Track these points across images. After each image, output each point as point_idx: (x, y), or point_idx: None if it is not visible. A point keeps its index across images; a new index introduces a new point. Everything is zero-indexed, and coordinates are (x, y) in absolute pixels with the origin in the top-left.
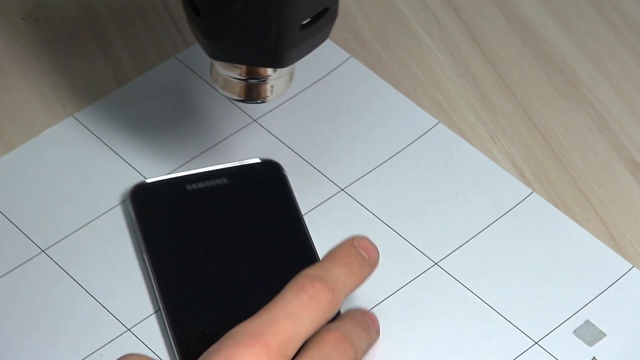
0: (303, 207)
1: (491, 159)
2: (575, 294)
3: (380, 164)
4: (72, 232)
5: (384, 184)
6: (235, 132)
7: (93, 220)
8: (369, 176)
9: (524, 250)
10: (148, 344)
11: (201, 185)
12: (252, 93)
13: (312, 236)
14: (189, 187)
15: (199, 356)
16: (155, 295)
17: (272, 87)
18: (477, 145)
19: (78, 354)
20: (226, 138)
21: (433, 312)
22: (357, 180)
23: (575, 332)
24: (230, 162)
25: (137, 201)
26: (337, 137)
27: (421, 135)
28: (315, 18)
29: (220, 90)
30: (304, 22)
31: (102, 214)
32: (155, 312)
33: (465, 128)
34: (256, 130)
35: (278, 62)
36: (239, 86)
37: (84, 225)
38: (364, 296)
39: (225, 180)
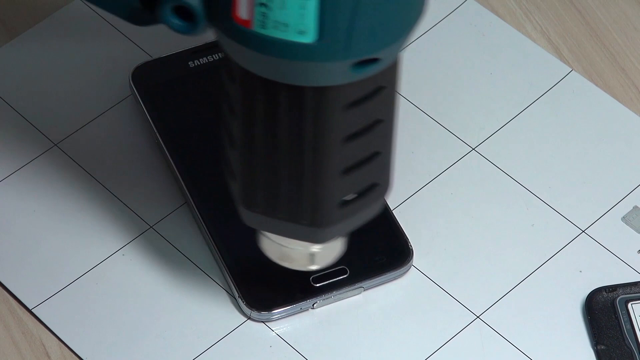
0: None
1: (526, 36)
2: (621, 179)
3: (409, 44)
4: (85, 124)
5: (412, 65)
6: None
7: (106, 110)
8: None
9: (566, 132)
10: (172, 242)
11: (204, 60)
12: (293, 260)
13: None
14: (191, 64)
15: (232, 242)
16: (177, 183)
17: (312, 256)
18: (510, 23)
19: (98, 255)
20: None
21: (473, 201)
22: None
23: (623, 218)
24: None
25: (139, 83)
26: None
27: (450, 13)
28: (361, 194)
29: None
30: (345, 199)
31: (116, 104)
32: (178, 207)
33: (496, 4)
34: None
35: (314, 239)
36: (278, 251)
37: (98, 116)
38: (401, 185)
39: None
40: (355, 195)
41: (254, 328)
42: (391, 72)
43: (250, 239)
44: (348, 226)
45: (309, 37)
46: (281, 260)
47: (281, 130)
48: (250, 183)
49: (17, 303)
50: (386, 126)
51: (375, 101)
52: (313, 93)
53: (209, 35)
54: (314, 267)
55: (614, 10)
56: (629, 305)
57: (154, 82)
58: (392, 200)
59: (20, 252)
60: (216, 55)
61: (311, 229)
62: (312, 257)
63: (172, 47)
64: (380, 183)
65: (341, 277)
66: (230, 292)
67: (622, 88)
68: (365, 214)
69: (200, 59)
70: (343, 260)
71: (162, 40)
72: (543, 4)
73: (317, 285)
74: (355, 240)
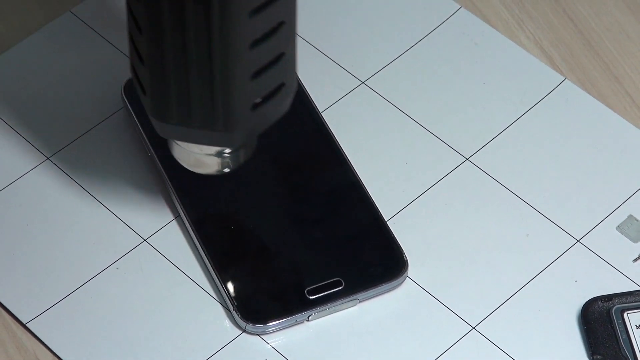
0: (321, 103)
1: (519, 45)
2: (616, 187)
3: (402, 54)
4: (77, 137)
5: (406, 75)
6: None
7: (98, 123)
8: (390, 67)
9: (559, 141)
10: (166, 255)
11: None
12: (207, 166)
13: (333, 132)
14: None
15: (226, 254)
16: (170, 196)
17: (227, 161)
18: (503, 32)
19: (92, 269)
20: None
21: (468, 211)
22: (378, 72)
23: (618, 228)
24: None
25: (132, 95)
26: (353, 27)
27: (443, 22)
28: (269, 96)
29: (175, 157)
30: (256, 102)
31: (108, 117)
32: (171, 220)
33: (489, 13)
34: None
35: (228, 143)
36: (193, 158)
37: (90, 129)
38: (395, 195)
39: None
40: (265, 97)
41: (249, 341)
42: None
43: (245, 250)
44: (259, 127)
45: None
46: (195, 167)
47: (189, 42)
48: (162, 95)
49: (11, 318)
50: (289, 27)
51: (278, 4)
52: (219, 2)
53: None
54: (226, 170)
55: (607, 18)
56: (625, 314)
57: None
58: (387, 211)
59: (13, 266)
60: None
61: (225, 134)
62: (223, 161)
63: None
64: (286, 83)
65: (336, 289)
66: (225, 305)
67: (615, 97)
68: (274, 114)
69: None
70: (338, 271)
71: None
72: (536, 13)
73: (312, 297)
74: (350, 252)
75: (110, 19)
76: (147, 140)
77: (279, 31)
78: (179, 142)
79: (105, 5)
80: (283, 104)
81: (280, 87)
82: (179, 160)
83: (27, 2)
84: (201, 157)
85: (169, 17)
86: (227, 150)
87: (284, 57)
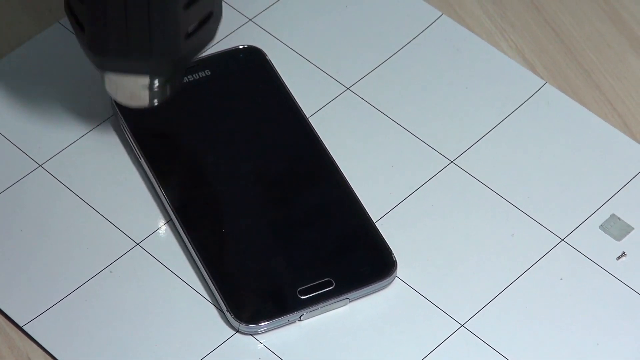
0: (307, 109)
1: (500, 51)
2: (598, 188)
3: (385, 61)
4: (69, 145)
5: (390, 81)
6: (230, 33)
7: (90, 130)
8: (375, 73)
9: (542, 144)
10: (159, 258)
11: (186, 79)
12: (140, 99)
13: (320, 137)
14: None
15: (218, 256)
16: (162, 200)
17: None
18: (485, 40)
19: (86, 272)
20: (222, 39)
21: (454, 212)
22: (363, 78)
23: (601, 226)
24: (210, 52)
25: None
26: (336, 34)
27: (425, 29)
28: (200, 24)
29: (108, 92)
30: (189, 31)
31: (99, 124)
32: (163, 224)
33: (472, 22)
34: (251, 29)
35: (164, 71)
36: (127, 92)
37: (81, 137)
38: (383, 197)
39: (208, 72)
40: (196, 26)
41: (242, 341)
42: None
43: (237, 252)
44: (192, 54)
45: None
46: (130, 101)
47: None
48: (101, 30)
49: (4, 319)
50: None
51: None
52: None
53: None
54: (156, 102)
55: (588, 28)
56: None
57: None
58: (375, 212)
59: (9, 271)
60: (198, 74)
61: (162, 61)
62: (155, 93)
63: None
64: (214, 11)
65: (327, 289)
66: (217, 306)
67: (596, 104)
68: (204, 41)
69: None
70: (329, 272)
71: None
72: (518, 22)
73: (304, 297)
74: (340, 253)
75: None
76: (137, 146)
77: None
78: (113, 77)
79: None
80: (211, 31)
81: (210, 15)
82: (113, 96)
83: (17, 14)
84: (135, 90)
85: None
86: (157, 83)
87: None
